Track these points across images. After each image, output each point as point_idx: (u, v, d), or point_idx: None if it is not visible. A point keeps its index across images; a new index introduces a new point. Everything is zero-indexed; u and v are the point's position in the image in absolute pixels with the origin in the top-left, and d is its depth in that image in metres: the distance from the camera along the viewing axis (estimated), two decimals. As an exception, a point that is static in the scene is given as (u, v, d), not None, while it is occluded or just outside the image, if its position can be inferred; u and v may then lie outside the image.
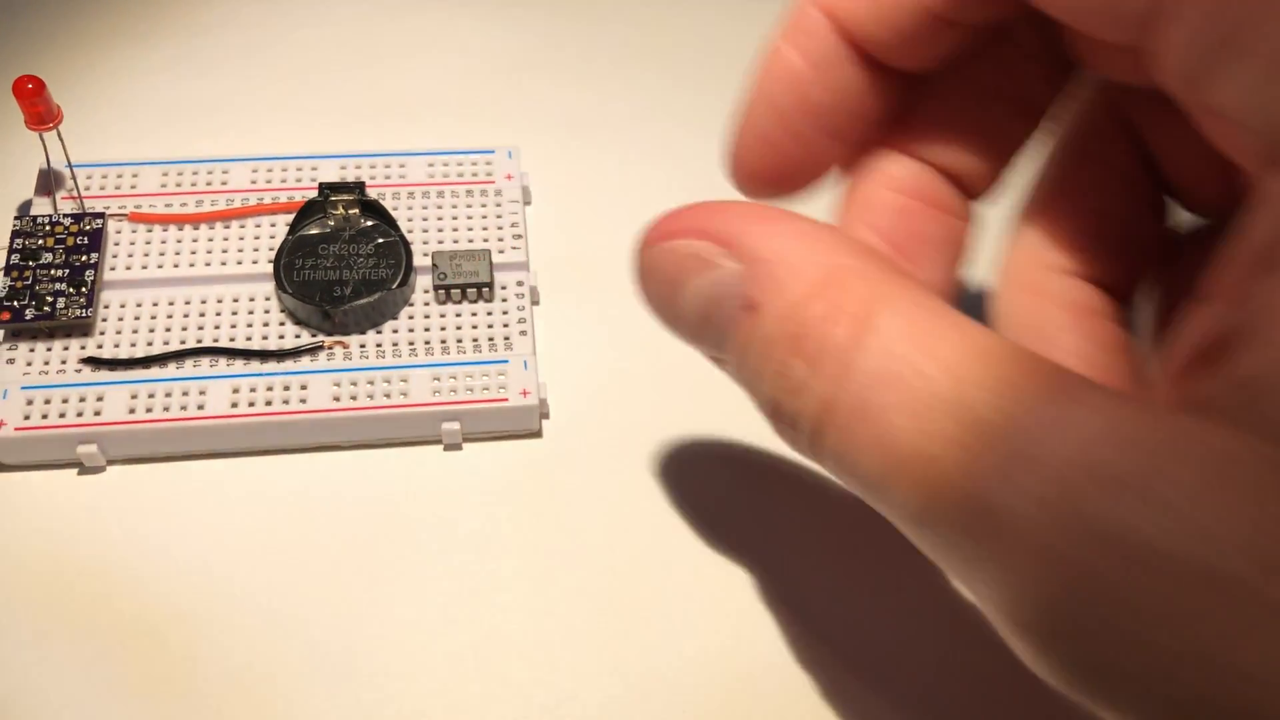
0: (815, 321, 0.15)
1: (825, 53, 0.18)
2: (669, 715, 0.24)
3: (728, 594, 0.26)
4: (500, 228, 0.29)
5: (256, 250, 0.28)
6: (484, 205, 0.29)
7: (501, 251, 0.29)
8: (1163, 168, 0.20)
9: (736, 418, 0.28)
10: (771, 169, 0.20)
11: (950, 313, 0.15)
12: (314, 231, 0.28)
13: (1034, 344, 0.19)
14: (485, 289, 0.28)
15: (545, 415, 0.28)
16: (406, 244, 0.28)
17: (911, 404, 0.14)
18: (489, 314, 0.28)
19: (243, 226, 0.29)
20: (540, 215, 0.31)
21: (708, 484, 0.27)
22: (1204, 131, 0.15)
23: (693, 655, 0.25)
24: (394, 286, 0.27)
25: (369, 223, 0.28)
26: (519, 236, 0.29)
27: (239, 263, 0.28)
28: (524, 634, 0.25)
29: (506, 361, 0.27)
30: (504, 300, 0.28)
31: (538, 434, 0.27)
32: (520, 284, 0.28)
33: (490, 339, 0.27)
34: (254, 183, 0.30)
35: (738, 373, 0.17)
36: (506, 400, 0.26)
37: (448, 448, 0.27)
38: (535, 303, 0.29)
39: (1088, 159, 0.21)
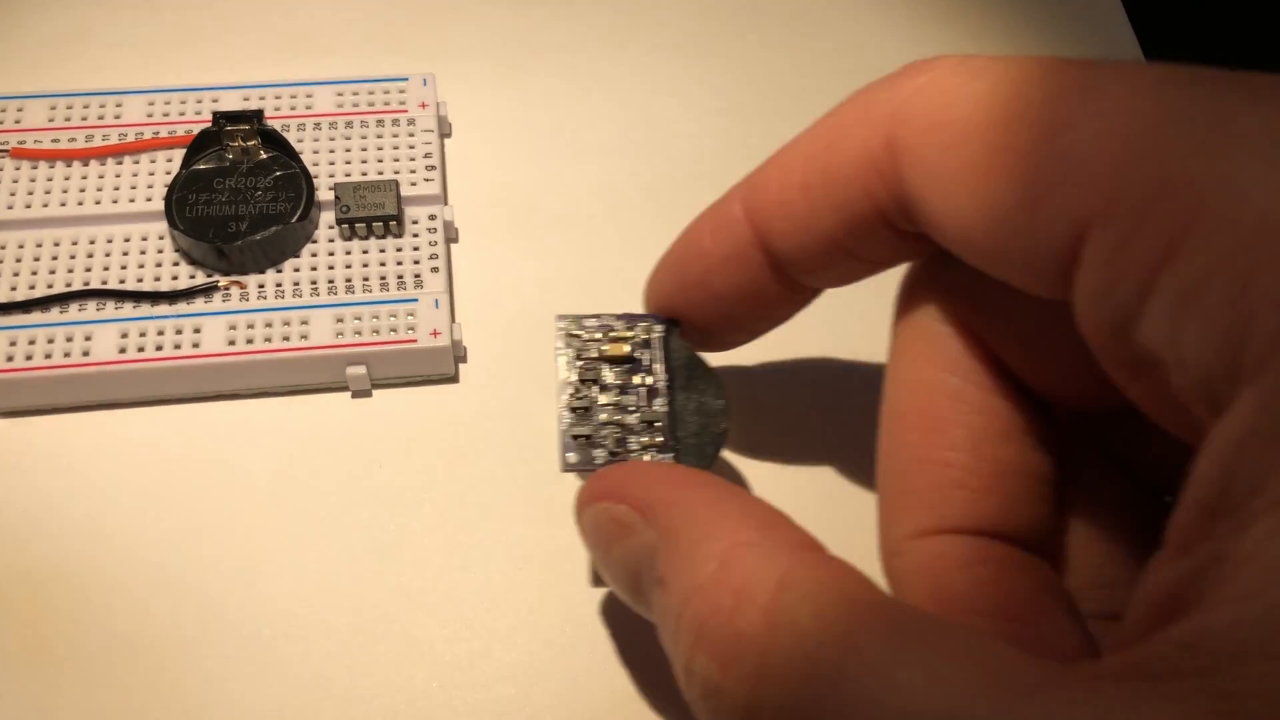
0: (722, 613, 0.14)
1: (736, 249, 0.19)
2: (587, 667, 0.22)
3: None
4: (413, 159, 0.27)
5: (151, 187, 0.26)
6: (395, 136, 0.27)
7: (414, 184, 0.27)
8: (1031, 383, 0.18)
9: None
10: (675, 316, 0.21)
11: (868, 594, 0.14)
12: (209, 165, 0.26)
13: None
14: (393, 223, 0.26)
15: (462, 359, 0.26)
16: (308, 175, 0.26)
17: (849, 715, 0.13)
18: (399, 250, 0.26)
19: (136, 162, 0.27)
20: (463, 148, 0.29)
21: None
22: (1132, 384, 0.15)
23: (612, 607, 0.23)
24: (293, 220, 0.25)
25: (268, 155, 0.26)
26: (432, 168, 0.27)
27: (131, 200, 0.26)
28: (436, 590, 0.23)
29: (416, 300, 0.25)
30: (415, 235, 0.26)
31: (454, 379, 0.26)
32: (433, 218, 0.26)
33: (399, 277, 0.25)
34: (150, 116, 0.28)
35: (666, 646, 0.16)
36: (416, 341, 0.24)
37: (356, 394, 0.25)
38: (454, 240, 0.27)
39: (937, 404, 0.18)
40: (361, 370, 0.24)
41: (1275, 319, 0.12)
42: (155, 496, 0.24)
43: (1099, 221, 0.14)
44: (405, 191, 0.26)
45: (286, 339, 0.24)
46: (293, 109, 0.28)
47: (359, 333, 0.24)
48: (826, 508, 0.24)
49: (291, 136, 0.27)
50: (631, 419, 0.20)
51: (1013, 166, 0.15)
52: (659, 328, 0.21)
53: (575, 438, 0.20)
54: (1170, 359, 0.13)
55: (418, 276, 0.25)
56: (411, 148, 0.27)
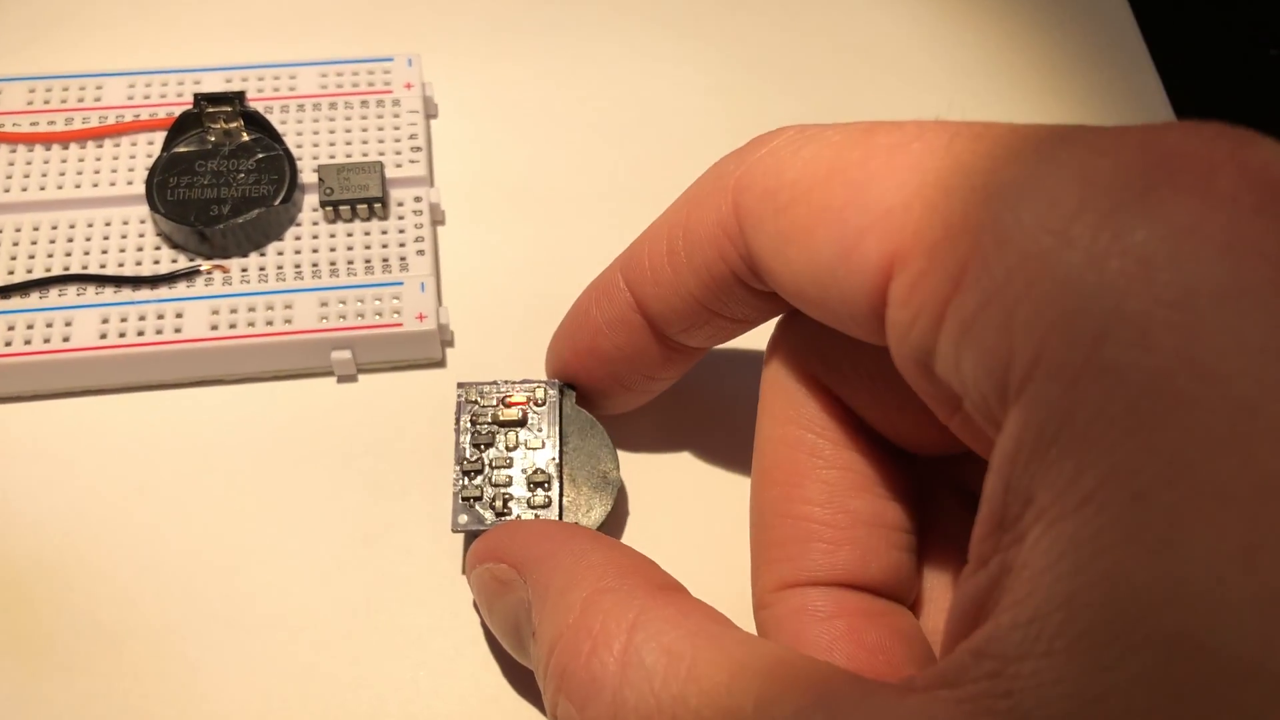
0: (580, 658, 0.16)
1: (619, 315, 0.21)
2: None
3: (641, 530, 0.24)
4: (398, 140, 0.27)
5: (131, 171, 0.26)
6: (380, 117, 0.27)
7: (399, 165, 0.26)
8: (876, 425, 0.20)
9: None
10: (572, 381, 0.23)
11: (711, 627, 0.15)
12: (190, 148, 0.26)
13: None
14: (377, 205, 0.25)
15: (449, 343, 0.25)
16: (291, 158, 0.25)
17: None
18: (384, 233, 0.25)
19: (117, 145, 0.26)
20: (449, 129, 0.29)
21: (622, 417, 0.25)
22: (951, 419, 0.16)
23: None
24: (275, 203, 0.25)
25: (250, 137, 0.26)
26: (418, 149, 0.27)
27: (112, 184, 0.26)
28: (423, 579, 0.23)
29: (401, 284, 0.25)
30: (400, 218, 0.26)
31: (441, 363, 0.25)
32: (419, 200, 0.26)
33: (384, 260, 0.25)
34: (131, 98, 0.27)
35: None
36: (401, 325, 0.24)
37: (341, 379, 0.25)
38: (440, 223, 0.27)
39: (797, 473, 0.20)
40: (347, 355, 0.24)
41: (1031, 345, 0.13)
42: (137, 484, 0.23)
43: (898, 264, 0.15)
44: (390, 173, 0.26)
45: (270, 323, 0.24)
46: (276, 90, 0.27)
47: (344, 316, 0.24)
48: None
49: (274, 118, 0.26)
50: (519, 480, 0.22)
51: (830, 222, 0.16)
52: (554, 392, 0.22)
53: (465, 500, 0.21)
54: (958, 388, 0.14)
55: (403, 259, 0.25)
56: (396, 129, 0.27)
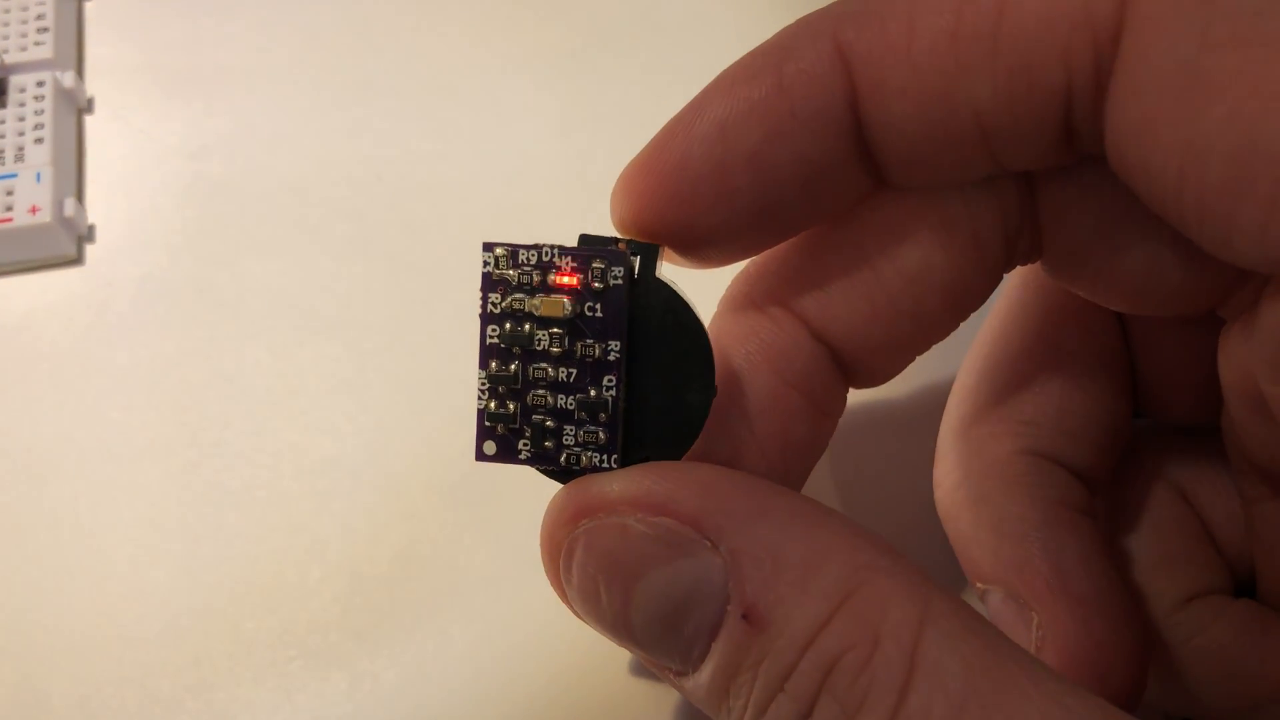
0: (850, 655, 0.12)
1: (819, 112, 0.13)
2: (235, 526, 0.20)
3: (286, 419, 0.22)
4: (24, 23, 0.24)
5: None
6: (8, 3, 0.25)
7: (23, 50, 0.24)
8: (1144, 377, 0.18)
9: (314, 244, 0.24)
10: (667, 208, 0.14)
11: (1002, 644, 0.12)
12: None
13: (1007, 540, 0.17)
14: (-15, 92, 0.23)
15: (87, 238, 0.24)
16: (-112, 48, 0.23)
17: None
18: (1, 123, 0.23)
19: None
20: (107, 16, 0.27)
21: (281, 299, 0.23)
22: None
23: (268, 464, 0.21)
24: None
25: None
26: (44, 30, 0.24)
27: None
28: (75, 492, 0.21)
29: (15, 176, 0.23)
30: (21, 105, 0.23)
31: (77, 260, 0.23)
32: (41, 84, 0.24)
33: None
34: None
35: (713, 695, 0.13)
36: (12, 220, 0.22)
37: (-31, 285, 0.23)
38: (86, 110, 0.25)
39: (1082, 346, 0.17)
40: (-41, 257, 0.22)
41: None
42: None
43: None
44: (12, 58, 0.24)
45: None
46: (-105, -19, 0.25)
47: (-50, 216, 0.22)
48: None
49: (-109, 10, 0.24)
50: (568, 403, 0.14)
51: (1243, 139, 0.11)
52: (619, 270, 0.14)
53: (492, 422, 0.14)
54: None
55: (20, 150, 0.23)
56: (24, 10, 0.25)
